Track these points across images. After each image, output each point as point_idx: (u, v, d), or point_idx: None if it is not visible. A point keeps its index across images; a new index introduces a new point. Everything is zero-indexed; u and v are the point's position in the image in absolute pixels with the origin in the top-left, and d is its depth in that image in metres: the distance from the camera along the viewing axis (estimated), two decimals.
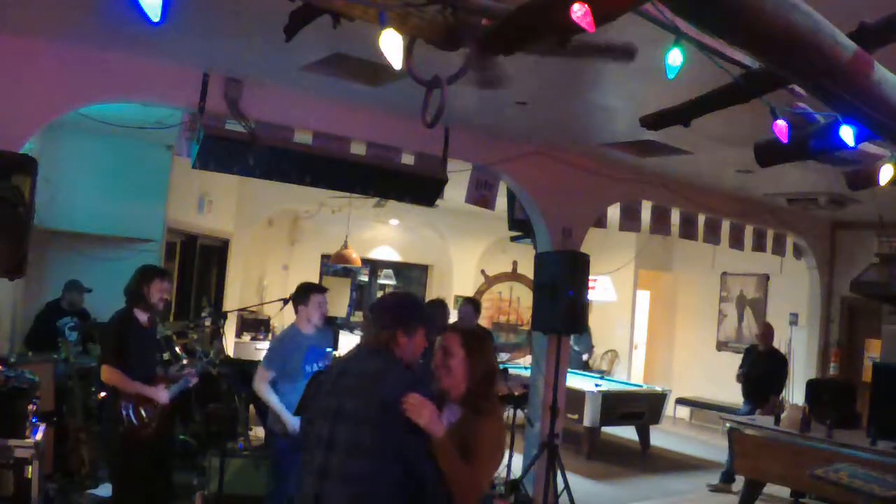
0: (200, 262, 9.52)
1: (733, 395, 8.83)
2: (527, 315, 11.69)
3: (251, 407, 7.04)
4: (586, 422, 8.49)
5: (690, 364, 11.93)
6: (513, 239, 8.25)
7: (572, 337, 10.81)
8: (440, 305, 6.30)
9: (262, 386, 4.63)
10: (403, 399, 2.36)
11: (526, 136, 6.21)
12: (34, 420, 4.29)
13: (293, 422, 4.46)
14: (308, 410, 2.92)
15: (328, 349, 4.90)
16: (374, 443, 2.35)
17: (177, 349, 6.63)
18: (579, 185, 6.77)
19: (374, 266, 12.99)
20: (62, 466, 5.64)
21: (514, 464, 6.53)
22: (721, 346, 11.65)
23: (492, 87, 4.30)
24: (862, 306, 9.26)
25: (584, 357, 11.34)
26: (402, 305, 2.75)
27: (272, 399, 4.59)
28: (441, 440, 2.37)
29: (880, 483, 4.43)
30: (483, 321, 10.61)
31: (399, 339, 2.56)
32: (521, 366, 10.12)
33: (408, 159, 5.97)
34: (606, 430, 9.11)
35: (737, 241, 8.63)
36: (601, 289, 11.73)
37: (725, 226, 8.38)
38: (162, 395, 4.50)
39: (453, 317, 8.43)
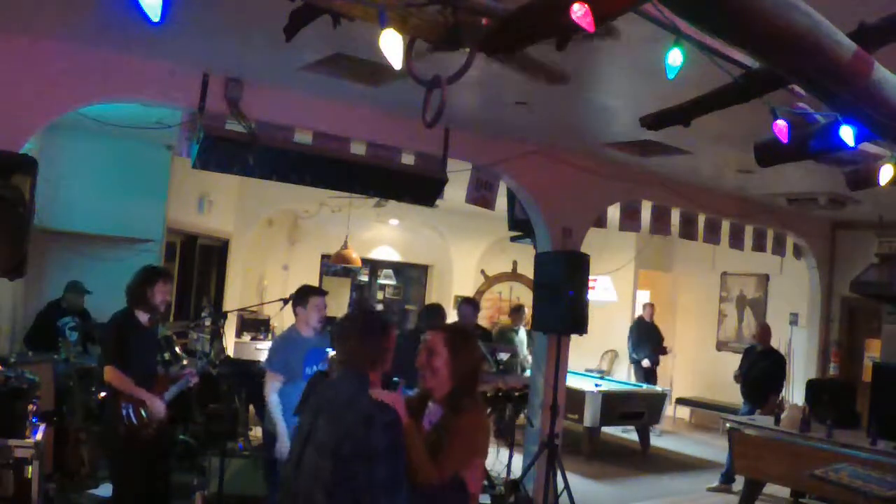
0: (200, 262, 9.52)
1: (733, 395, 8.82)
2: (527, 315, 11.68)
3: (251, 407, 7.05)
4: (586, 422, 8.48)
5: (690, 364, 11.93)
6: (513, 239, 8.25)
7: (630, 343, 10.60)
8: (437, 311, 6.27)
9: (274, 397, 4.57)
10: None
11: (526, 136, 6.21)
12: (34, 420, 4.29)
13: (286, 449, 4.43)
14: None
15: (327, 350, 4.90)
16: (332, 470, 2.31)
17: (177, 349, 6.63)
18: (579, 185, 6.77)
19: (374, 266, 12.99)
20: (62, 466, 5.63)
21: (514, 464, 6.53)
22: (721, 346, 11.64)
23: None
24: (862, 306, 9.26)
25: (646, 364, 10.47)
26: (368, 324, 2.64)
27: (278, 418, 4.52)
28: (406, 424, 2.39)
29: (880, 483, 4.43)
30: (483, 321, 10.62)
31: (377, 354, 2.51)
32: None
33: (408, 159, 5.97)
34: (606, 430, 9.10)
35: (737, 241, 8.63)
36: (601, 289, 11.72)
37: (725, 226, 8.38)
38: (159, 407, 4.49)
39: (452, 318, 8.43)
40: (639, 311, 11.90)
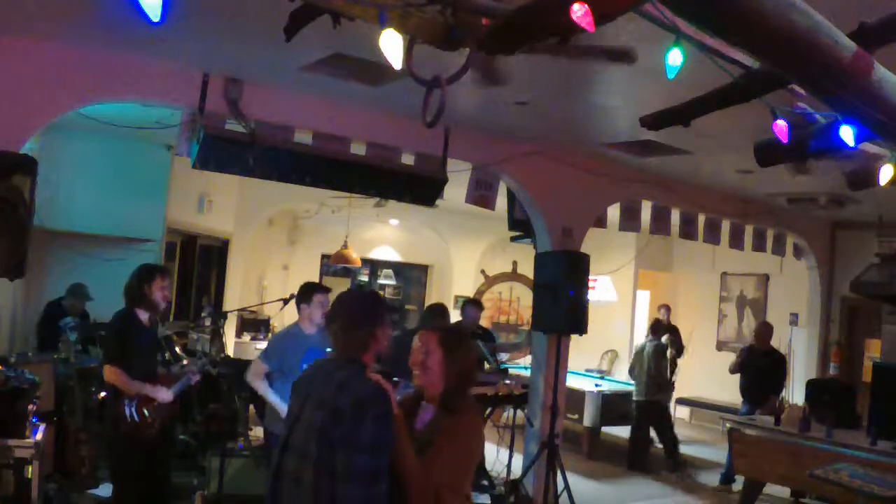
0: (200, 262, 9.52)
1: (733, 395, 8.82)
2: (527, 315, 11.67)
3: (251, 407, 7.04)
4: (586, 422, 8.48)
5: (690, 364, 11.92)
6: (513, 239, 8.25)
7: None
8: (440, 312, 6.27)
9: (256, 379, 4.61)
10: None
11: (526, 136, 6.21)
12: (34, 420, 4.29)
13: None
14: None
15: (327, 349, 4.90)
16: (318, 451, 2.30)
17: (177, 349, 6.63)
18: (579, 185, 6.77)
19: (374, 266, 12.99)
20: (62, 466, 5.64)
21: (514, 464, 6.53)
22: (721, 346, 11.65)
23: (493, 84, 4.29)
24: (862, 306, 9.26)
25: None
26: (369, 303, 2.64)
27: (266, 391, 4.57)
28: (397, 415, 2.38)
29: (880, 483, 4.43)
30: (483, 321, 10.61)
31: (379, 336, 2.50)
32: (521, 366, 10.11)
33: (408, 159, 5.97)
34: (606, 430, 9.10)
35: (737, 241, 8.63)
36: (601, 289, 11.72)
37: (725, 226, 8.38)
38: (164, 394, 4.49)
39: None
40: (640, 312, 11.83)
